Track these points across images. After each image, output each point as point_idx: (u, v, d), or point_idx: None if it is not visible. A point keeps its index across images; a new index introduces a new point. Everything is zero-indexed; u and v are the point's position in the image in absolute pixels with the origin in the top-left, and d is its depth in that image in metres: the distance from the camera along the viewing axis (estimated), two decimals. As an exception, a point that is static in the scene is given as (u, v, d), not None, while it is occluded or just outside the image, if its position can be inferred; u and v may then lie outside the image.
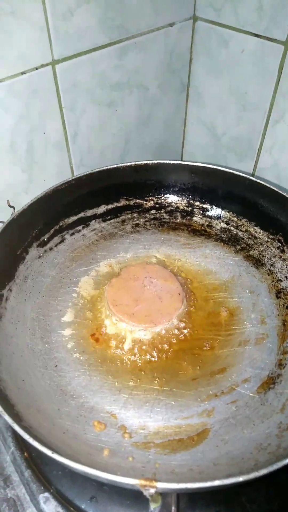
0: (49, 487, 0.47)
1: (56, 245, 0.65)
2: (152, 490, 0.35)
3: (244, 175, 0.65)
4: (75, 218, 0.68)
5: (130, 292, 0.59)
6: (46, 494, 0.47)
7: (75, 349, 0.55)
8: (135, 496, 0.40)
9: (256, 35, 0.67)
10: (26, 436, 0.37)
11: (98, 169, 0.66)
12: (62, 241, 0.66)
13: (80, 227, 0.68)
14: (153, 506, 0.44)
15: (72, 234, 0.67)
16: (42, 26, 0.57)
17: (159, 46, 0.73)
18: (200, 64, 0.80)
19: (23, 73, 0.58)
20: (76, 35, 0.61)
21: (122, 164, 0.68)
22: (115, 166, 0.67)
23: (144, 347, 0.55)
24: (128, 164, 0.68)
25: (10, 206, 0.63)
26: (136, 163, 0.68)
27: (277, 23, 0.63)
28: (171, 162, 0.68)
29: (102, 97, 0.70)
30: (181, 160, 0.86)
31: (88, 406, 0.49)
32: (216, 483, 0.34)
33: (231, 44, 0.72)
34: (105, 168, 0.67)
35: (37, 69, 0.59)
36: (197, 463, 0.42)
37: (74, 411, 0.48)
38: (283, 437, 0.43)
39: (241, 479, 0.34)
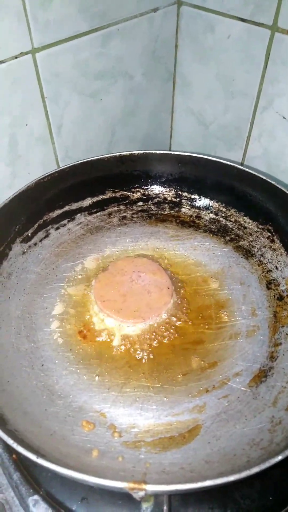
0: (38, 489, 0.46)
1: (40, 240, 0.63)
2: (142, 493, 0.34)
3: (232, 164, 0.64)
4: (59, 211, 0.66)
5: (117, 287, 0.58)
6: (36, 497, 0.45)
7: (62, 347, 0.53)
8: (127, 496, 0.39)
9: (242, 20, 0.65)
10: (10, 441, 0.36)
11: (82, 161, 0.64)
12: (47, 236, 0.64)
13: (65, 221, 0.66)
14: (145, 505, 0.43)
15: (57, 228, 0.65)
16: (20, 14, 0.54)
17: (143, 33, 0.71)
18: (186, 50, 0.77)
19: (2, 61, 0.56)
20: (56, 22, 0.58)
21: (107, 155, 0.66)
22: (100, 157, 0.65)
23: (133, 343, 0.54)
24: (113, 154, 0.66)
25: (-7, 200, 0.61)
26: (122, 153, 0.66)
27: (263, 7, 0.62)
28: (158, 152, 0.66)
29: (85, 87, 0.68)
30: (169, 150, 0.84)
31: (76, 405, 0.47)
32: (207, 483, 0.33)
33: (217, 30, 0.70)
34: (89, 159, 0.65)
35: (16, 57, 0.57)
36: (188, 461, 0.41)
37: (62, 411, 0.46)
38: (275, 431, 0.42)
39: (232, 478, 0.33)
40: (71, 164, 0.64)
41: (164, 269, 0.61)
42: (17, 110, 0.61)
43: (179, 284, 0.60)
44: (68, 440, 0.43)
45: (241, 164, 0.81)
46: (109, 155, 0.66)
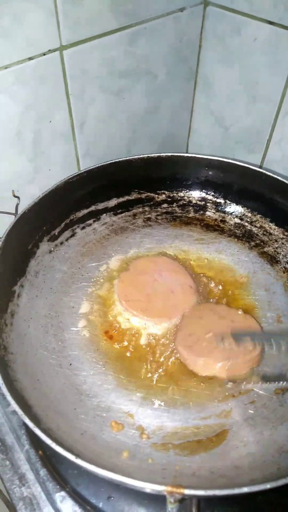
0: (65, 486, 0.47)
1: (67, 239, 0.64)
2: (178, 496, 0.34)
3: (260, 170, 0.64)
4: (85, 211, 0.66)
5: (140, 286, 0.58)
6: (63, 493, 0.46)
7: (89, 347, 0.54)
8: (153, 495, 0.40)
9: (270, 23, 0.65)
10: (48, 441, 0.37)
11: (110, 162, 0.65)
12: (73, 235, 0.65)
13: (91, 221, 0.67)
14: (170, 506, 0.44)
15: (83, 228, 0.66)
16: (51, 10, 0.54)
17: (169, 32, 0.71)
18: (210, 51, 0.77)
19: (30, 58, 0.56)
20: (85, 19, 0.58)
21: (135, 157, 0.66)
22: (127, 158, 0.65)
23: (159, 342, 0.54)
24: (141, 156, 0.66)
25: (15, 196, 0.61)
26: (149, 155, 0.66)
27: (294, 10, 0.61)
28: (185, 155, 0.67)
29: (110, 85, 0.68)
30: (190, 152, 0.83)
31: (104, 405, 0.48)
32: (244, 490, 0.33)
33: (243, 32, 0.70)
34: (116, 160, 0.65)
35: (44, 54, 0.57)
36: (217, 465, 0.42)
37: (91, 411, 0.47)
38: (304, 440, 0.43)
39: (268, 486, 0.34)
40: (99, 165, 0.64)
41: (185, 267, 0.62)
42: (43, 106, 0.61)
43: (205, 287, 0.60)
44: (99, 440, 0.44)
45: (260, 168, 0.81)
46: (137, 156, 0.66)
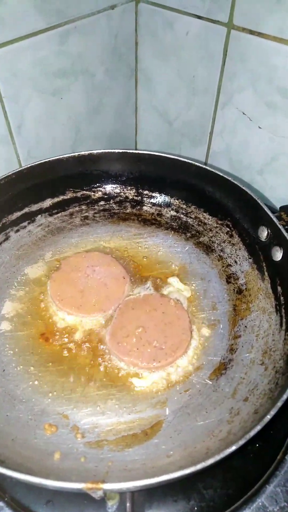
0: (3, 496, 0.46)
1: (0, 244, 0.62)
2: (100, 492, 0.34)
3: (190, 162, 0.64)
4: (19, 213, 0.65)
5: (73, 283, 0.58)
6: (0, 503, 0.45)
7: (25, 351, 0.53)
8: (92, 496, 0.39)
9: (199, 17, 0.66)
10: None
11: (40, 161, 0.64)
12: (6, 239, 0.63)
13: (25, 223, 0.65)
14: (110, 503, 0.43)
15: (17, 231, 0.64)
16: None
17: (102, 30, 0.71)
18: (147, 47, 0.78)
19: None
20: (10, 20, 0.57)
21: (65, 155, 0.65)
22: (58, 157, 0.64)
23: (95, 338, 0.54)
24: (71, 154, 0.65)
25: None
26: (80, 153, 0.65)
27: (219, 5, 0.62)
28: (116, 151, 0.66)
29: (46, 85, 0.67)
30: (127, 149, 0.83)
31: (38, 409, 0.47)
32: (163, 478, 0.33)
33: (176, 27, 0.70)
34: (47, 160, 0.64)
35: None
36: (150, 456, 0.42)
37: (24, 416, 0.46)
38: (233, 422, 0.43)
39: (187, 471, 0.34)
40: (28, 165, 0.63)
41: (126, 264, 0.61)
42: (-27, 111, 0.59)
43: (141, 278, 0.60)
44: (30, 444, 0.43)
45: (206, 160, 0.82)
46: (68, 155, 0.65)
